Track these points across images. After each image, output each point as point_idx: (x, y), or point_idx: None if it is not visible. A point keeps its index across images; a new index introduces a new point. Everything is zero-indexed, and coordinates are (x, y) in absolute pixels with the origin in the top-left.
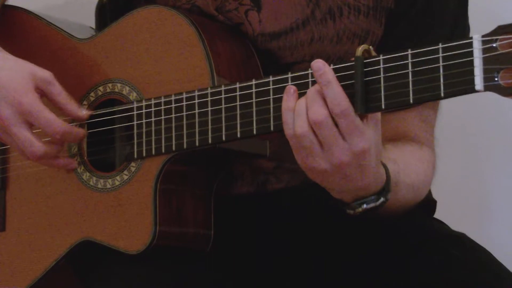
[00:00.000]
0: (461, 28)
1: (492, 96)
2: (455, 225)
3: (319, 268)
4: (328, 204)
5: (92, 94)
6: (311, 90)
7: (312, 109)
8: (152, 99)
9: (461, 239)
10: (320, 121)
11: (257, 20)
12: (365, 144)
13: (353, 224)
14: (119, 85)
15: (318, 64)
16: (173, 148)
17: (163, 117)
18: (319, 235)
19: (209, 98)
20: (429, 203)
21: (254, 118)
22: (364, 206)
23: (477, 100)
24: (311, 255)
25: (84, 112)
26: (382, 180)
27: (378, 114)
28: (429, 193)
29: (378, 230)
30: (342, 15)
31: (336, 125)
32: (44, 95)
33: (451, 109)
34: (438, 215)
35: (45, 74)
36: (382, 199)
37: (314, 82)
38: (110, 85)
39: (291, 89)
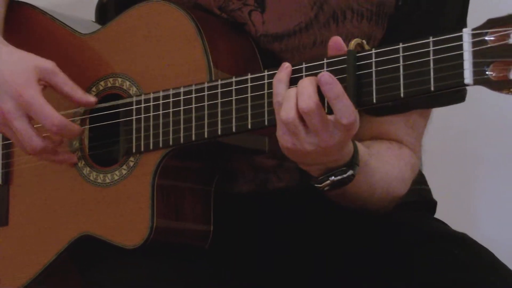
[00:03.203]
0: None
1: (491, 98)
2: (455, 226)
3: (320, 267)
4: (329, 204)
5: (93, 88)
6: (303, 80)
7: (302, 97)
8: (151, 94)
9: (463, 239)
10: (309, 110)
11: (260, 21)
12: (356, 130)
13: (354, 223)
14: (120, 79)
15: (326, 78)
16: (171, 143)
17: (161, 112)
18: (320, 234)
19: (205, 93)
20: (429, 203)
21: (249, 113)
22: (332, 177)
23: (477, 100)
24: (312, 254)
25: (92, 98)
26: (350, 152)
27: None
28: (429, 193)
29: (379, 230)
30: (345, 19)
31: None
32: (48, 85)
33: (453, 110)
34: (437, 215)
35: (47, 64)
36: (350, 172)
37: (308, 76)
38: (111, 79)
39: (285, 64)
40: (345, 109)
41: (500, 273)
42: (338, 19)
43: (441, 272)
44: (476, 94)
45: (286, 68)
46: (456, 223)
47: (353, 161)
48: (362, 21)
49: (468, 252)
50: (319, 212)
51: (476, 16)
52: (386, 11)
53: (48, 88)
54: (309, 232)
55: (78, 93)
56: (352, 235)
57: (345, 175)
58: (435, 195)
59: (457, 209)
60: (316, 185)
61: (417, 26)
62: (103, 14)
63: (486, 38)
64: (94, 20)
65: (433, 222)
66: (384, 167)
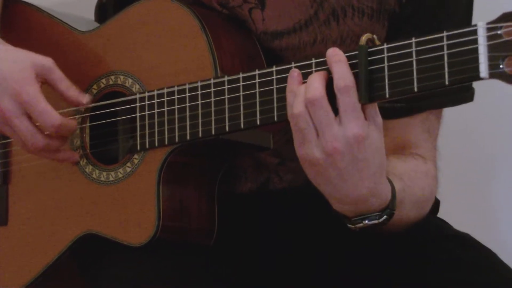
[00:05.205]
0: None
1: (494, 92)
2: (458, 226)
3: (322, 266)
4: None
5: (94, 86)
6: (313, 74)
7: (309, 88)
8: (155, 91)
9: (466, 239)
10: (314, 99)
11: (260, 18)
12: (359, 130)
13: None
14: (121, 77)
15: (335, 50)
16: (176, 140)
17: (166, 109)
18: (322, 233)
19: (212, 89)
20: (432, 203)
21: (258, 109)
22: (366, 221)
23: (478, 98)
24: (314, 253)
25: (85, 98)
26: (387, 198)
27: (380, 119)
28: None
29: None
30: (346, 16)
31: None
32: (45, 82)
33: (455, 108)
34: (440, 215)
35: (45, 61)
36: (385, 217)
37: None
38: (112, 77)
39: (294, 72)
40: (343, 74)
41: (501, 273)
42: (339, 17)
43: (442, 271)
44: (479, 90)
45: (296, 77)
46: (459, 223)
47: (390, 207)
48: (363, 18)
49: (470, 252)
50: (321, 211)
51: (480, 12)
52: (387, 7)
53: (47, 85)
54: (311, 231)
55: (71, 92)
56: (354, 234)
57: (380, 220)
58: (438, 195)
59: (459, 209)
60: (349, 225)
61: (421, 24)
62: (103, 14)
63: (500, 32)
64: (93, 19)
65: (436, 221)
66: (415, 195)
